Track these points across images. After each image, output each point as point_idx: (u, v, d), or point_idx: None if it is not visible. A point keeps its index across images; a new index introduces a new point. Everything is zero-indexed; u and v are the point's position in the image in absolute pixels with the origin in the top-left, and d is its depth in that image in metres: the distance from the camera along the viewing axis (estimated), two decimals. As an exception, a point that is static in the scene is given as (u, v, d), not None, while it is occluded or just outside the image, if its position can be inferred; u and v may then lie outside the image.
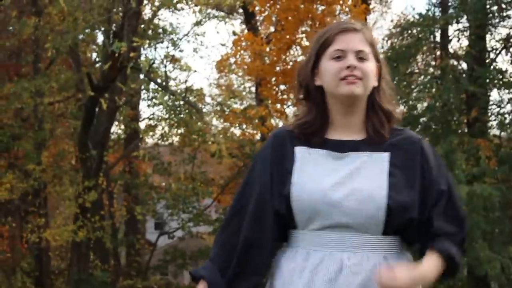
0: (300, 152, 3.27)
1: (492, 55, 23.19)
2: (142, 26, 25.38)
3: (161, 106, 27.07)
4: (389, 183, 3.11)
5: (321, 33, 3.42)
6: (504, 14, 23.12)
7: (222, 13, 28.35)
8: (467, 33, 23.46)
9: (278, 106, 21.63)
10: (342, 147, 3.24)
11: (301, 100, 3.44)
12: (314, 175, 3.19)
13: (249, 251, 3.40)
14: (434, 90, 22.19)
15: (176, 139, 28.09)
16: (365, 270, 3.11)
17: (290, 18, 21.21)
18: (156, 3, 26.35)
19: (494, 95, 23.00)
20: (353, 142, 3.26)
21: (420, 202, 3.22)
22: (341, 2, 22.53)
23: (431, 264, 3.20)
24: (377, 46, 3.48)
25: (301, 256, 3.21)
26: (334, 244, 3.15)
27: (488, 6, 22.70)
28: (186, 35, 30.86)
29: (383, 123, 3.30)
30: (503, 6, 23.03)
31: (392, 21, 37.02)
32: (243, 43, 24.58)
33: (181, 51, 49.65)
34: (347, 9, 22.28)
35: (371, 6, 25.47)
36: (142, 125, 28.88)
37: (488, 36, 23.20)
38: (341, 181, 3.14)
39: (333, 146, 3.25)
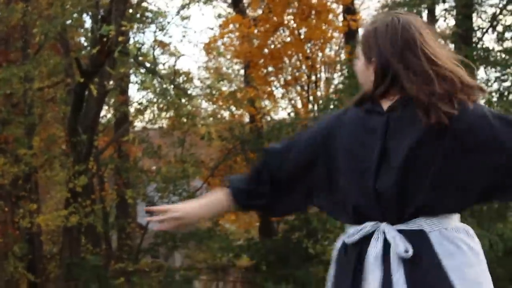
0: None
1: (479, 34, 23.21)
2: (130, 10, 25.26)
3: (150, 90, 27.17)
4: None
5: None
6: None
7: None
8: (453, 13, 23.53)
9: (267, 88, 21.64)
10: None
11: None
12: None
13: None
14: (421, 69, 22.19)
15: (165, 122, 28.10)
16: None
17: (277, 0, 21.17)
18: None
19: (481, 73, 23.00)
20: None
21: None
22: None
23: None
24: (369, 43, 3.47)
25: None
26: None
27: (474, -12, 22.73)
28: (173, 18, 30.90)
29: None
30: (490, -15, 23.08)
31: (379, 1, 36.83)
32: (231, 26, 24.54)
33: (170, 36, 49.69)
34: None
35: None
36: (131, 109, 28.84)
37: (474, 15, 23.21)
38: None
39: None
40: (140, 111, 28.62)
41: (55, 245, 25.51)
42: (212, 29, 40.84)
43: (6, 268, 22.98)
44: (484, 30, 23.20)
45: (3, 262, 23.16)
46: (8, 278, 23.12)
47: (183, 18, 27.64)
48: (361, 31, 21.84)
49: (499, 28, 23.20)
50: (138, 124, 29.13)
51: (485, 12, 23.40)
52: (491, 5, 23.29)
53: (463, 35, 22.63)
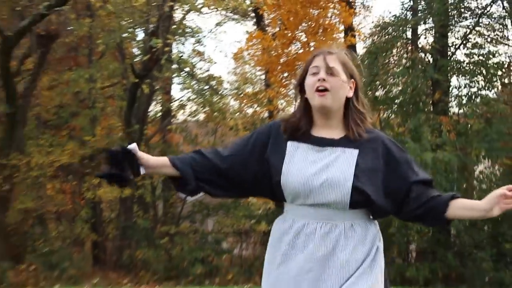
0: (291, 146, 3.45)
1: (452, 49, 23.27)
2: (174, 26, 25.49)
3: (189, 90, 27.36)
4: (355, 174, 3.30)
5: (309, 57, 3.64)
6: (462, 16, 23.33)
7: (237, 16, 28.44)
8: (432, 32, 23.57)
9: (282, 90, 21.88)
10: (322, 142, 3.43)
11: (297, 105, 3.63)
12: (299, 165, 3.37)
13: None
14: (406, 77, 22.37)
15: (202, 116, 28.31)
16: (332, 237, 3.32)
17: (291, 19, 21.38)
18: (185, 8, 26.51)
19: (454, 81, 23.12)
20: (331, 139, 3.44)
21: (387, 184, 3.42)
22: (332, 7, 22.77)
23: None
24: (350, 65, 3.58)
25: (288, 223, 3.42)
26: (311, 216, 3.35)
27: (449, 11, 22.83)
28: (208, 33, 30.89)
29: (359, 125, 3.47)
30: (462, 10, 23.17)
31: (372, 22, 36.75)
32: (254, 40, 24.78)
33: (204, 46, 49.48)
34: (337, 12, 22.43)
35: (356, 11, 25.57)
36: (174, 105, 29.00)
37: (449, 34, 23.29)
38: (319, 171, 3.33)
39: (315, 141, 3.44)
40: (181, 107, 28.89)
41: (113, 211, 25.65)
42: (239, 42, 40.81)
43: (74, 229, 23.20)
44: (457, 46, 23.22)
45: (72, 225, 23.41)
46: (76, 237, 23.35)
47: (216, 33, 27.60)
48: (358, 46, 21.63)
49: (469, 45, 23.28)
50: (180, 117, 29.27)
51: (458, 31, 23.48)
52: (463, 26, 23.36)
53: (440, 50, 22.72)
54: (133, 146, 3.59)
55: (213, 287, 13.73)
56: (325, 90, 3.38)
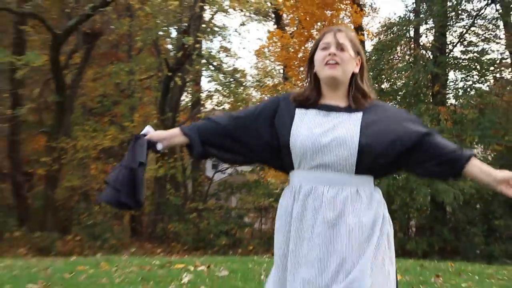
0: (299, 112, 3.32)
1: (450, 47, 23.19)
2: (203, 25, 25.48)
3: (216, 82, 27.38)
4: (360, 133, 3.13)
5: (320, 35, 3.47)
6: (459, 18, 23.22)
7: (259, 16, 28.40)
8: (432, 31, 23.49)
9: (299, 83, 21.83)
10: (329, 108, 3.29)
11: (307, 80, 3.46)
12: (307, 127, 3.23)
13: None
14: (408, 72, 22.27)
15: (227, 105, 28.34)
16: (339, 201, 3.14)
17: (308, 19, 21.34)
18: (214, 9, 26.50)
19: (451, 75, 23.09)
20: (337, 106, 3.30)
21: (393, 143, 3.22)
22: (344, 8, 22.74)
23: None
24: (357, 43, 3.45)
25: (295, 190, 3.25)
26: (318, 180, 3.20)
27: (448, 12, 22.71)
28: (234, 31, 30.83)
29: (362, 97, 3.32)
30: (459, 12, 23.05)
31: (379, 22, 36.76)
32: (274, 38, 24.72)
33: (230, 43, 49.46)
34: (349, 13, 22.40)
35: (365, 12, 25.50)
36: (203, 95, 29.05)
37: (447, 34, 23.20)
38: (327, 131, 3.18)
39: (322, 107, 3.31)
40: (209, 97, 28.94)
41: (148, 189, 25.73)
42: (260, 39, 40.73)
43: (114, 204, 23.32)
44: (454, 44, 23.16)
45: (113, 200, 23.50)
46: (116, 212, 23.41)
47: (240, 32, 27.53)
48: (366, 44, 21.48)
49: (465, 43, 23.20)
50: (208, 106, 29.30)
51: (455, 31, 23.39)
52: (459, 27, 23.25)
53: (439, 47, 22.65)
54: (147, 129, 3.56)
55: (236, 257, 13.63)
56: (336, 63, 3.29)
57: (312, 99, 3.38)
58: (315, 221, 3.16)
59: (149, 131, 3.53)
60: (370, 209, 3.19)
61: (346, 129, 3.18)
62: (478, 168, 3.26)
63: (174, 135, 3.55)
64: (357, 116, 3.24)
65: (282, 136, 3.29)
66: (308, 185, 3.22)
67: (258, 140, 3.40)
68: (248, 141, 3.41)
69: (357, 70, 3.39)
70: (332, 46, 3.34)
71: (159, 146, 3.51)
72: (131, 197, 3.38)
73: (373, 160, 3.19)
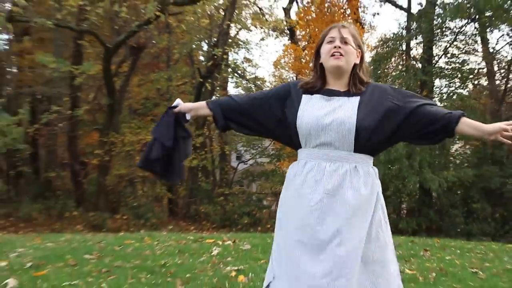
0: (305, 98, 3.29)
1: (436, 58, 23.16)
2: (230, 40, 25.50)
3: (240, 87, 27.40)
4: (358, 114, 3.11)
5: (324, 29, 3.46)
6: (443, 34, 23.20)
7: (276, 33, 28.38)
8: (421, 45, 23.47)
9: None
10: (331, 93, 3.26)
11: (313, 70, 3.43)
12: (311, 110, 3.20)
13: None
14: (401, 79, 22.24)
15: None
16: (338, 174, 3.11)
17: (317, 35, 21.31)
18: (238, 26, 26.53)
19: (437, 82, 23.11)
20: (338, 91, 3.27)
21: (391, 116, 3.19)
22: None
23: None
24: (359, 38, 3.43)
25: (301, 164, 3.23)
26: (321, 157, 3.16)
27: (434, 30, 22.69)
28: (255, 45, 30.72)
29: (359, 85, 3.28)
30: (443, 29, 23.02)
31: (377, 37, 36.62)
32: (289, 50, 24.69)
33: (251, 55, 49.43)
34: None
35: (365, 29, 25.44)
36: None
37: (434, 47, 23.16)
38: (328, 113, 3.16)
39: (325, 92, 3.27)
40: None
41: (183, 177, 25.79)
42: (277, 51, 40.56)
43: (155, 189, 23.34)
44: (439, 56, 23.15)
45: (154, 186, 23.54)
46: (156, 195, 23.50)
47: (261, 46, 27.42)
48: (366, 56, 21.40)
49: (448, 55, 23.18)
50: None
51: (440, 45, 23.36)
52: (444, 41, 23.25)
53: (427, 59, 22.62)
54: (177, 101, 3.56)
55: (256, 234, 13.65)
56: (340, 55, 3.26)
57: (317, 87, 3.35)
58: (315, 190, 3.12)
59: (180, 103, 3.54)
60: (367, 184, 3.15)
61: (345, 111, 3.16)
62: (469, 125, 3.18)
63: (201, 107, 3.57)
64: (355, 100, 3.20)
65: (291, 117, 3.27)
66: (312, 161, 3.19)
67: (271, 118, 3.38)
68: (262, 120, 3.39)
69: (358, 61, 3.36)
70: (337, 39, 3.32)
71: (188, 116, 3.53)
72: (167, 169, 3.43)
73: (368, 138, 3.15)
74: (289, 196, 3.27)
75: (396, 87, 3.44)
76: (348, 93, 3.27)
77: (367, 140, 3.15)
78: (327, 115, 3.17)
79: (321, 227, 3.08)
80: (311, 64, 3.52)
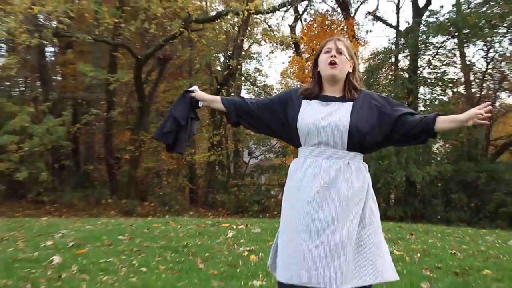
0: (305, 103, 3.28)
1: (421, 69, 23.12)
2: (243, 52, 25.50)
3: (252, 93, 27.38)
4: (350, 118, 3.12)
5: (323, 42, 3.44)
6: (427, 48, 23.15)
7: (283, 46, 28.32)
8: (408, 58, 23.42)
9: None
10: (328, 99, 3.26)
11: (312, 78, 3.42)
12: (310, 113, 3.21)
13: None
14: (390, 87, 22.20)
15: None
16: (333, 169, 3.12)
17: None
18: (251, 41, 26.52)
19: (421, 90, 23.04)
20: (334, 97, 3.26)
21: (380, 123, 3.18)
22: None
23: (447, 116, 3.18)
24: (352, 50, 3.41)
25: (301, 161, 3.23)
26: (318, 155, 3.17)
27: (419, 45, 22.65)
28: (265, 57, 30.64)
29: (352, 91, 3.27)
30: (427, 44, 22.97)
31: (369, 51, 36.55)
32: (294, 62, 24.67)
33: (262, 65, 49.35)
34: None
35: (359, 43, 25.40)
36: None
37: (419, 60, 23.12)
38: (324, 117, 3.17)
39: (322, 98, 3.27)
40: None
41: (202, 170, 25.79)
42: (284, 63, 40.43)
43: (178, 180, 23.38)
44: (424, 67, 23.11)
45: (177, 178, 23.57)
46: (179, 186, 23.54)
47: (270, 58, 27.30)
48: (360, 67, 21.37)
49: (431, 66, 23.14)
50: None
51: (424, 58, 23.30)
52: (427, 54, 23.18)
53: (413, 69, 22.54)
54: (194, 87, 3.56)
55: (265, 219, 13.64)
56: (335, 64, 3.25)
57: (315, 92, 3.33)
58: (313, 184, 3.12)
59: (196, 89, 3.54)
60: (358, 178, 3.15)
61: (340, 115, 3.16)
62: (445, 120, 3.15)
63: (215, 100, 3.56)
64: (349, 105, 3.19)
65: (292, 120, 3.27)
66: (311, 158, 3.18)
67: (276, 121, 3.36)
68: (268, 122, 3.38)
69: (351, 70, 3.34)
70: (333, 50, 3.31)
71: (200, 104, 3.53)
72: (174, 143, 3.48)
73: (360, 139, 3.14)
74: (292, 188, 3.26)
75: (384, 95, 3.43)
76: (343, 99, 3.26)
77: (358, 140, 3.15)
78: (323, 118, 3.17)
79: (318, 215, 3.08)
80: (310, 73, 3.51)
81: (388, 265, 3.19)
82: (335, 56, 3.28)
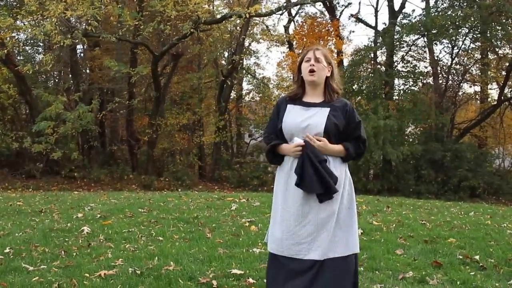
0: (289, 107, 3.33)
1: (396, 64, 23.02)
2: (244, 49, 25.33)
3: (251, 85, 27.27)
4: (326, 121, 3.20)
5: (304, 51, 3.49)
6: (401, 46, 23.07)
7: (278, 44, 28.15)
8: (385, 54, 23.32)
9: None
10: (308, 104, 3.31)
11: (295, 82, 3.46)
12: (292, 116, 3.28)
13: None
14: (369, 79, 22.19)
15: (258, 98, 28.27)
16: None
17: (309, 45, 21.22)
18: (251, 39, 26.37)
19: (396, 81, 23.01)
20: (314, 102, 3.32)
21: (344, 131, 3.26)
22: (331, 39, 22.55)
23: (337, 147, 3.25)
24: (329, 57, 3.43)
25: (287, 156, 3.31)
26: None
27: (394, 43, 22.57)
28: (263, 53, 30.38)
29: (332, 94, 3.33)
30: (401, 42, 22.89)
31: (352, 48, 36.20)
32: (288, 57, 24.55)
33: (260, 60, 49.11)
34: (334, 43, 22.27)
35: (344, 41, 25.26)
36: (243, 92, 28.83)
37: (394, 56, 23.05)
38: (305, 119, 3.24)
39: (304, 104, 3.32)
40: (247, 93, 28.84)
41: (209, 149, 25.75)
42: (279, 58, 40.18)
43: (189, 159, 23.34)
44: (398, 62, 22.98)
45: (188, 156, 23.54)
46: (190, 163, 23.50)
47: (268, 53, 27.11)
48: (344, 61, 21.08)
49: (405, 61, 23.04)
50: (246, 99, 29.14)
51: (399, 54, 23.21)
52: (402, 51, 23.07)
53: (389, 64, 22.47)
54: (299, 141, 3.29)
55: (264, 193, 13.67)
56: (314, 71, 3.29)
57: (299, 95, 3.39)
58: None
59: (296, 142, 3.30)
60: (336, 168, 3.24)
61: (317, 118, 3.24)
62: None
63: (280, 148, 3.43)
64: (326, 110, 3.25)
65: (280, 122, 3.34)
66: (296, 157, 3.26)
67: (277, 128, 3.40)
68: (277, 133, 3.39)
69: (329, 74, 3.38)
70: (312, 60, 3.34)
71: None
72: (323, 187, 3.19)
73: (333, 137, 3.25)
74: (282, 178, 3.35)
75: (354, 107, 3.50)
76: (322, 104, 3.31)
77: (332, 138, 3.24)
78: (304, 121, 3.24)
79: (304, 201, 3.21)
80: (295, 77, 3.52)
81: (356, 241, 3.30)
82: (313, 65, 3.32)
